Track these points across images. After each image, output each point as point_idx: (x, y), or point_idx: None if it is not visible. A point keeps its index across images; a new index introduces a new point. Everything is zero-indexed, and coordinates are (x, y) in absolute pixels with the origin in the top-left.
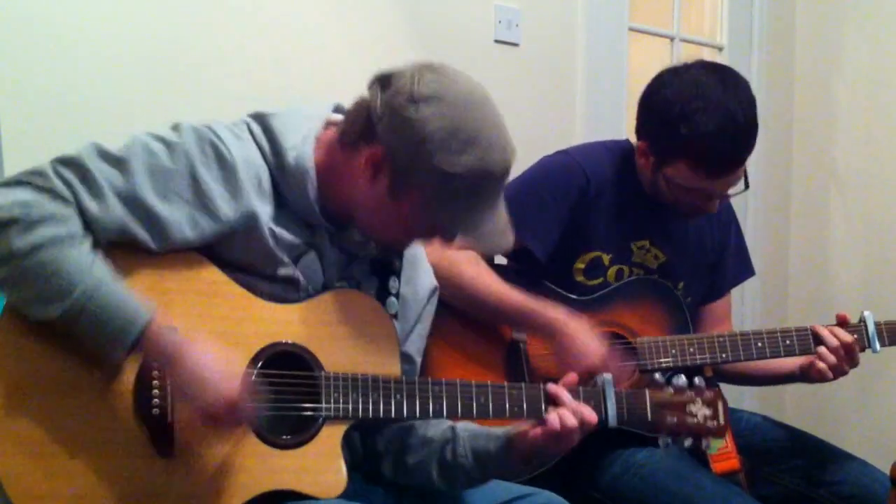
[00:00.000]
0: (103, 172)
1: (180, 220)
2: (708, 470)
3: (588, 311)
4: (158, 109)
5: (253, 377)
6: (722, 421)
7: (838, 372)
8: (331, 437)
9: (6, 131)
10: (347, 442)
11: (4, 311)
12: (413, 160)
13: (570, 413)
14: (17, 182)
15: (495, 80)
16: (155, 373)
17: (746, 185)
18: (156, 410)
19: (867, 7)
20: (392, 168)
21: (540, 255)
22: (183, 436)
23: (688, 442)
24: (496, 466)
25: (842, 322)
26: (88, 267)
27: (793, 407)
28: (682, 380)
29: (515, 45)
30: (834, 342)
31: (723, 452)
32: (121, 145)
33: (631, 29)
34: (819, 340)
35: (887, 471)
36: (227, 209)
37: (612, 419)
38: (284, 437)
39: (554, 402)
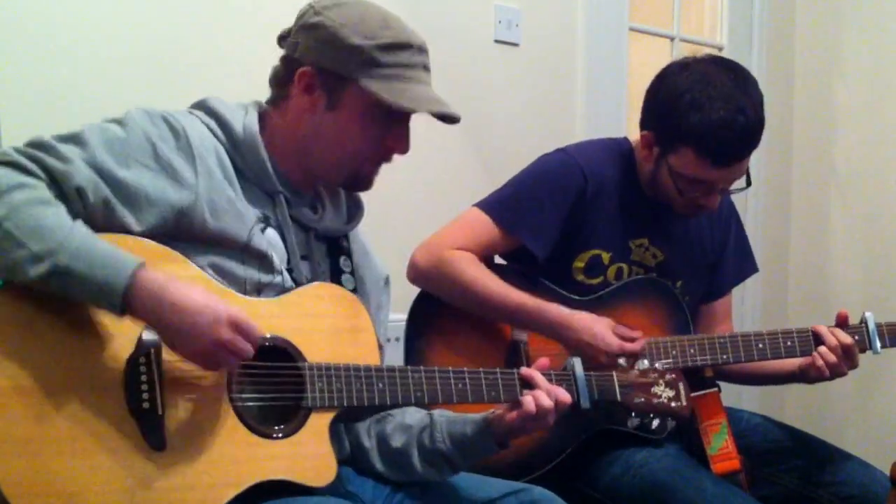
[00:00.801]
0: (63, 147)
1: (143, 184)
2: (708, 470)
3: (588, 311)
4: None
5: (237, 372)
6: (684, 402)
7: (836, 372)
8: (319, 425)
9: (6, 131)
10: (335, 437)
11: None
12: (336, 53)
13: (544, 394)
14: None
15: (495, 80)
16: (142, 367)
17: (748, 183)
18: (146, 404)
19: (867, 7)
20: (322, 77)
21: (539, 255)
22: (174, 428)
23: (655, 422)
24: (474, 449)
25: (842, 320)
26: (69, 223)
27: (793, 407)
28: (644, 363)
29: (515, 45)
30: (833, 342)
31: (723, 453)
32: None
33: (631, 29)
34: (819, 340)
35: (887, 471)
36: (188, 174)
37: (585, 399)
38: (273, 428)
39: (529, 385)
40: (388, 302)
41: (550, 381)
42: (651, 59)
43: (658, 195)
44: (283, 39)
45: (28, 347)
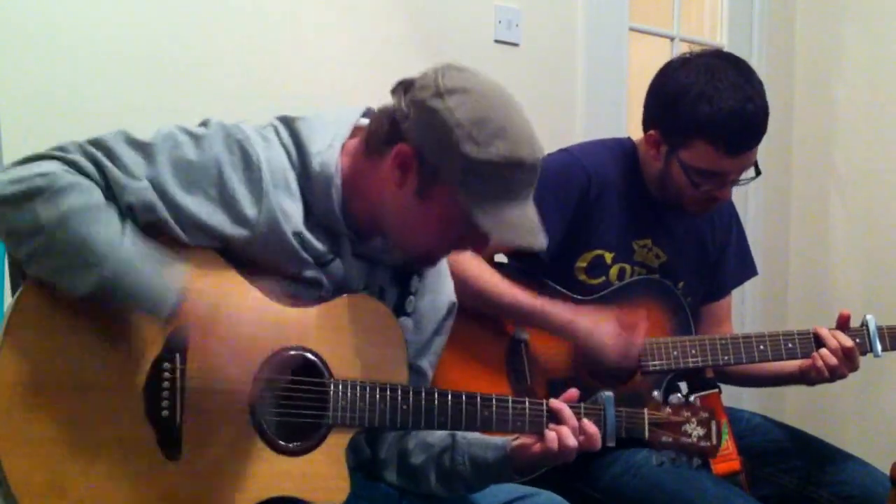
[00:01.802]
0: (129, 155)
1: (199, 211)
2: (708, 470)
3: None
4: (159, 109)
5: (261, 384)
6: (714, 441)
7: (837, 374)
8: (336, 445)
9: (6, 131)
10: (354, 447)
11: (15, 309)
12: (441, 151)
13: (570, 433)
14: (39, 156)
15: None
16: (166, 374)
17: (758, 172)
18: (165, 412)
19: (867, 7)
20: (420, 164)
21: (541, 254)
22: (191, 439)
23: (680, 460)
24: (493, 475)
25: (844, 321)
26: (119, 237)
27: (793, 407)
28: (678, 397)
29: (515, 45)
30: (834, 344)
31: (724, 453)
32: (149, 134)
33: (631, 29)
34: (820, 342)
35: (887, 471)
36: (250, 211)
37: (611, 437)
38: (291, 443)
39: (555, 418)
40: (448, 329)
41: (579, 414)
42: (651, 59)
43: (667, 194)
44: (402, 88)
45: (48, 345)
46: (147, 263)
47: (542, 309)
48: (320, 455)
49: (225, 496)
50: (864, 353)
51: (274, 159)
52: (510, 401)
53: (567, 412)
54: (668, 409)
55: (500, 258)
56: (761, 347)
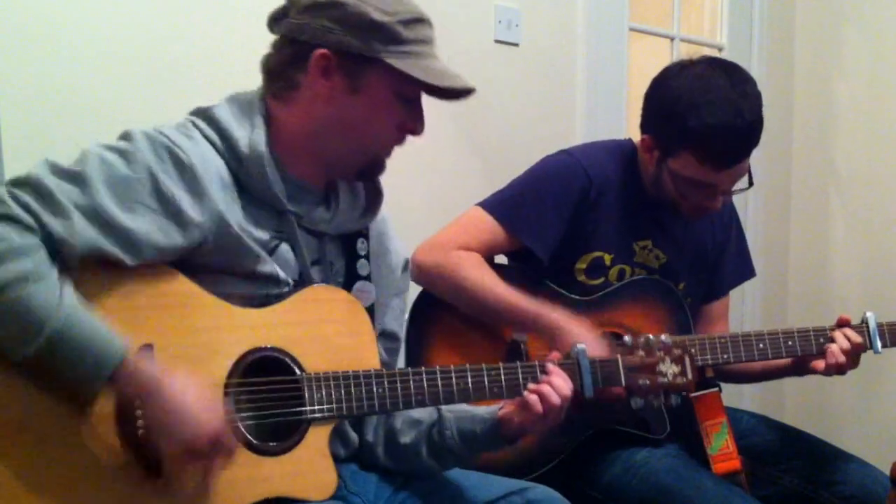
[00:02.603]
0: (62, 190)
1: (149, 231)
2: (708, 470)
3: (589, 311)
4: (158, 109)
5: (232, 401)
6: (690, 376)
7: (839, 372)
8: (318, 438)
9: (6, 131)
10: (341, 434)
11: None
12: (358, 32)
13: (550, 390)
14: None
15: (495, 80)
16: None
17: (750, 183)
18: (141, 431)
19: (867, 7)
20: (340, 59)
21: (541, 255)
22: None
23: (658, 400)
24: (483, 446)
25: (844, 324)
26: (57, 303)
27: (793, 407)
28: (648, 337)
29: (515, 45)
30: (846, 344)
31: (723, 453)
32: (73, 160)
33: (631, 29)
34: (830, 340)
35: (887, 471)
36: (194, 214)
37: (588, 389)
38: (272, 443)
39: (534, 377)
40: (406, 288)
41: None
42: (651, 59)
43: (661, 197)
44: (277, 21)
45: (9, 390)
46: (88, 318)
47: (538, 311)
48: (303, 451)
49: None
50: (864, 350)
51: (202, 153)
52: (484, 368)
53: (549, 366)
54: (641, 352)
55: (501, 259)
56: (761, 346)
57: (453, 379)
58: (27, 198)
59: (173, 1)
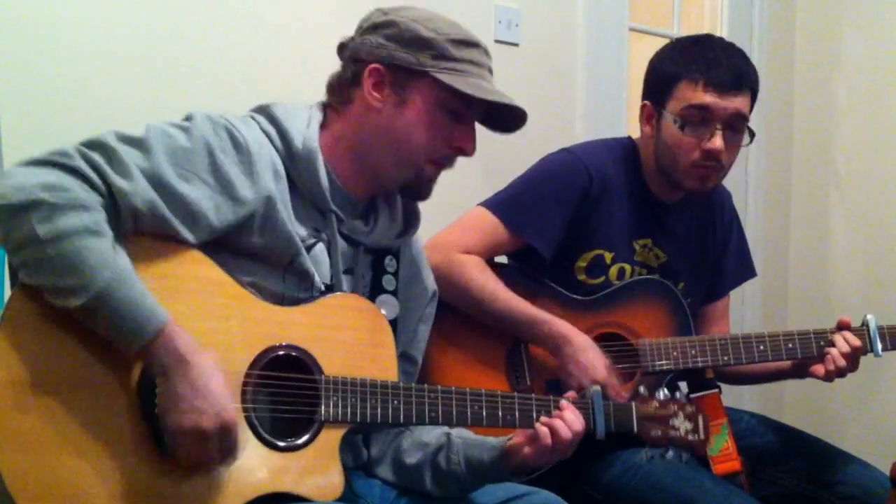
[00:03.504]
0: (126, 152)
1: (202, 201)
2: (709, 471)
3: (590, 311)
4: (158, 109)
5: (250, 394)
6: (702, 435)
7: (839, 375)
8: (329, 441)
9: (6, 131)
10: (352, 446)
11: (9, 308)
12: (409, 47)
13: (562, 424)
14: (42, 162)
15: (495, 79)
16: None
17: (752, 135)
18: (158, 409)
19: (867, 6)
20: (392, 72)
21: (545, 254)
22: None
23: (670, 454)
24: (489, 476)
25: (844, 327)
26: (111, 262)
27: (793, 407)
28: (664, 393)
29: (515, 45)
30: (846, 348)
31: (724, 453)
32: (138, 130)
33: (631, 29)
34: (830, 343)
35: (887, 471)
36: (247, 192)
37: (601, 431)
38: (284, 439)
39: (547, 411)
40: (432, 316)
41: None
42: None
43: (664, 173)
44: (343, 48)
45: (41, 345)
46: (137, 283)
47: (542, 318)
48: (314, 451)
49: (220, 492)
50: (864, 353)
51: (258, 140)
52: (500, 395)
53: (564, 402)
54: (656, 403)
55: (501, 259)
56: (761, 347)
57: (468, 402)
58: (94, 154)
59: (173, 1)
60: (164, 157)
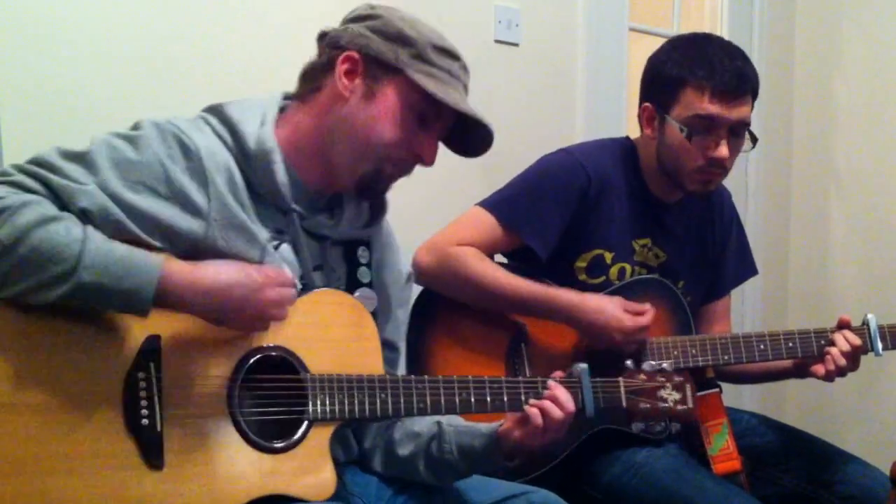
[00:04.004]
0: (70, 168)
1: (155, 211)
2: (709, 470)
3: None
4: (159, 109)
5: (238, 385)
6: (690, 404)
7: (840, 374)
8: (319, 439)
9: (6, 131)
10: (342, 440)
11: None
12: (388, 41)
13: (550, 404)
14: None
15: (495, 80)
16: (142, 383)
17: (754, 140)
18: (145, 421)
19: (867, 6)
20: (366, 63)
21: (542, 254)
22: (173, 445)
23: (659, 426)
24: (482, 462)
25: (844, 325)
26: (82, 236)
27: (793, 407)
28: (651, 364)
29: (515, 45)
30: (846, 347)
31: (724, 453)
32: (83, 145)
33: (631, 29)
34: (830, 342)
35: (887, 471)
36: (199, 200)
37: (590, 408)
38: (273, 441)
39: (535, 393)
40: (408, 300)
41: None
42: None
43: (666, 176)
44: (324, 35)
45: (22, 363)
46: (118, 248)
47: (547, 294)
48: (305, 450)
49: (213, 500)
50: (864, 353)
51: (210, 145)
52: (487, 380)
53: (551, 383)
54: (643, 376)
55: (500, 259)
56: (761, 347)
57: (456, 390)
58: (35, 169)
59: (173, 1)
60: (111, 170)
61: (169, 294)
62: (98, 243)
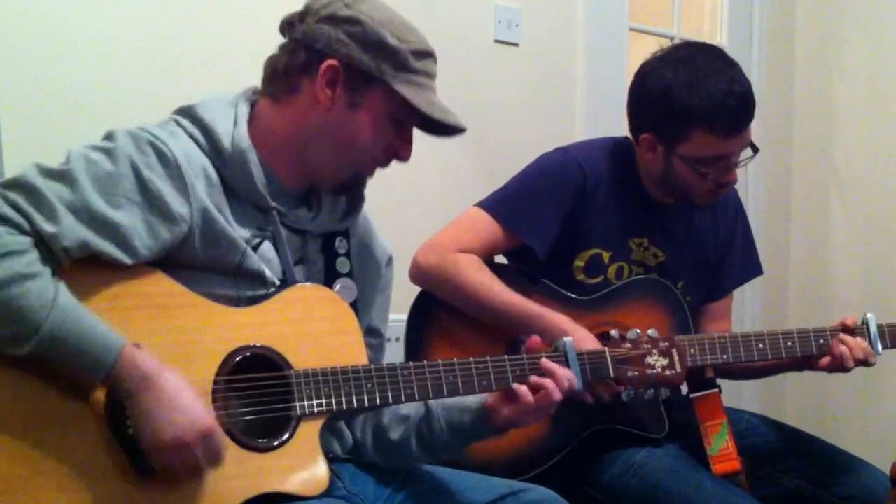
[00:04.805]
0: (50, 188)
1: (136, 224)
2: (708, 470)
3: (589, 310)
4: (159, 109)
5: (221, 400)
6: (679, 368)
7: (847, 369)
8: (309, 434)
9: (6, 131)
10: (336, 432)
11: None
12: (371, 52)
13: (554, 385)
14: None
15: (495, 80)
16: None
17: (755, 149)
18: (131, 430)
19: (867, 6)
20: (348, 74)
21: (539, 253)
22: None
23: (648, 393)
24: (472, 436)
25: (848, 329)
26: (51, 300)
27: (793, 407)
28: (636, 332)
29: (515, 45)
30: (860, 355)
31: (724, 453)
32: (59, 162)
33: (631, 29)
34: (840, 343)
35: (887, 471)
36: (179, 207)
37: (579, 382)
38: (262, 439)
39: (523, 374)
40: (390, 284)
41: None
42: None
43: (672, 193)
44: (292, 25)
45: (4, 386)
46: (84, 315)
47: (539, 313)
48: (295, 446)
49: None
50: (868, 365)
51: (187, 150)
52: (472, 361)
53: (547, 363)
54: (628, 344)
55: (499, 259)
56: (760, 346)
57: (441, 373)
58: (17, 197)
59: (173, 1)
60: (91, 186)
61: (118, 377)
62: (66, 308)
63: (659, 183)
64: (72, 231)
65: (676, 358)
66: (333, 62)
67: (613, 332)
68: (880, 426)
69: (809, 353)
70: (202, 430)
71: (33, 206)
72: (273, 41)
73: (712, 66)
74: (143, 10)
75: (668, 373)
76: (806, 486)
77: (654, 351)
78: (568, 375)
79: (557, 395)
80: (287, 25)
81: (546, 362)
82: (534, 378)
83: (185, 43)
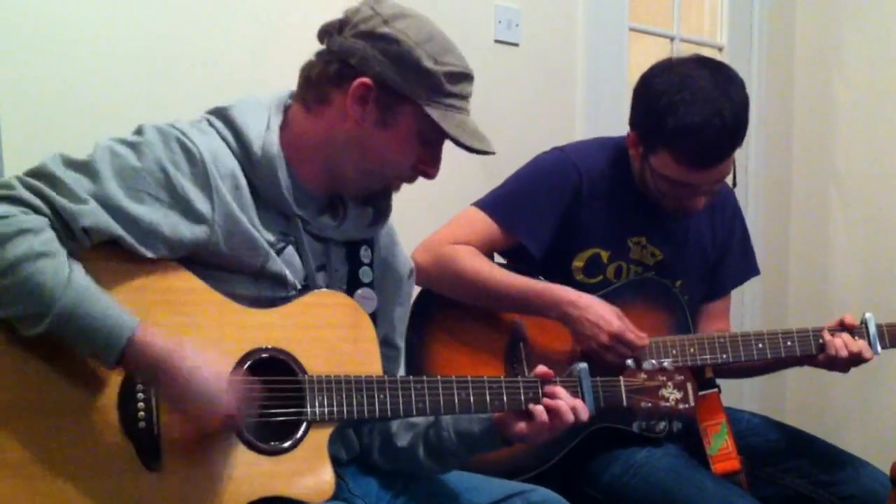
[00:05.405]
0: (72, 178)
1: (156, 221)
2: (708, 470)
3: None
4: (159, 108)
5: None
6: (692, 402)
7: (843, 367)
8: (317, 440)
9: (6, 131)
10: (343, 438)
11: None
12: (405, 72)
13: (565, 407)
14: None
15: (495, 80)
16: (139, 386)
17: (734, 183)
18: (142, 424)
19: (867, 7)
20: (380, 92)
21: (536, 252)
22: (170, 448)
23: (661, 425)
24: (481, 446)
25: (847, 328)
26: (66, 279)
27: (793, 407)
28: (652, 363)
29: (515, 45)
30: (855, 348)
31: (723, 453)
32: (85, 153)
33: (631, 29)
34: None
35: (887, 471)
36: (203, 207)
37: (591, 408)
38: (271, 442)
39: (535, 396)
40: (409, 296)
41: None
42: (651, 59)
43: (647, 190)
44: (329, 35)
45: (20, 369)
46: (98, 300)
47: (542, 288)
48: (303, 452)
49: (211, 502)
50: (864, 361)
51: (215, 151)
52: (486, 380)
53: (561, 391)
54: (644, 375)
55: (498, 259)
56: (760, 346)
57: (454, 390)
58: (37, 183)
59: (173, 1)
60: (113, 179)
61: (133, 357)
62: (80, 290)
63: (640, 180)
64: (93, 212)
65: (690, 392)
66: (366, 80)
67: (629, 362)
68: (880, 426)
69: (808, 353)
70: (221, 408)
71: (55, 191)
72: (273, 42)
73: (705, 93)
74: (143, 10)
75: (681, 406)
76: (806, 485)
77: (670, 383)
78: (579, 407)
79: (570, 419)
80: (325, 34)
81: (557, 390)
82: (546, 401)
83: (185, 43)
